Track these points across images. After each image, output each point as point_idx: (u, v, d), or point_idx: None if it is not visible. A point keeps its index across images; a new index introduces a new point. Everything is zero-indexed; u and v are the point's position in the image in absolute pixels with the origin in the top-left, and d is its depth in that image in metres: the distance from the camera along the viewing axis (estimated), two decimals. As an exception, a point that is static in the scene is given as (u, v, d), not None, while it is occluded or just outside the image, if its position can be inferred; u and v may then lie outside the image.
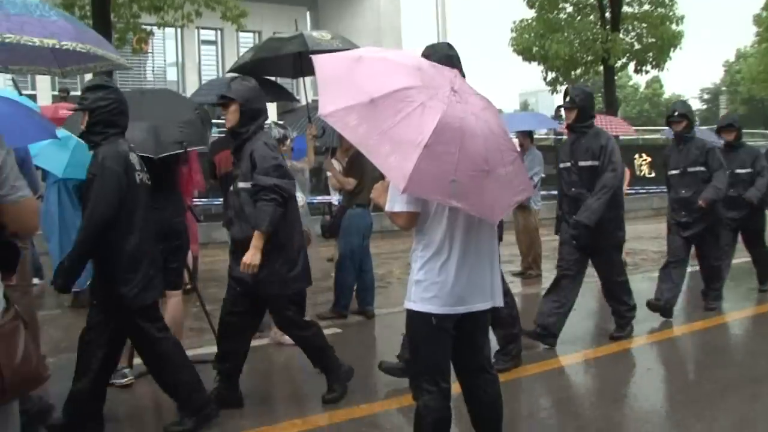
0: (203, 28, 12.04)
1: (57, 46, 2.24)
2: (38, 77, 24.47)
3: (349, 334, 6.64)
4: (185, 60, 26.95)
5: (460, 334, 3.37)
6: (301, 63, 6.74)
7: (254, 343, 6.14)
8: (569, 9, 17.43)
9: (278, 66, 7.07)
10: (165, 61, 26.69)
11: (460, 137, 2.99)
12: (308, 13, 31.23)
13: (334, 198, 8.23)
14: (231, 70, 7.04)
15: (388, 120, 2.94)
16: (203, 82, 24.32)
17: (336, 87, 3.14)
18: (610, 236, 6.00)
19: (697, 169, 6.83)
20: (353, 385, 4.87)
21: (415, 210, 3.22)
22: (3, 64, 3.05)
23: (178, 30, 10.21)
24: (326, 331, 6.62)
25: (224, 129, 4.75)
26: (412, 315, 3.34)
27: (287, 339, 6.11)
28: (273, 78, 7.59)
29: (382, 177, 3.35)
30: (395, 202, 3.22)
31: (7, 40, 2.09)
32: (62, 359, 5.46)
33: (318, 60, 3.23)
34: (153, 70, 25.70)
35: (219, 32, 27.36)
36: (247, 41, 28.31)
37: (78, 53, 2.42)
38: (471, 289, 3.28)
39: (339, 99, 3.04)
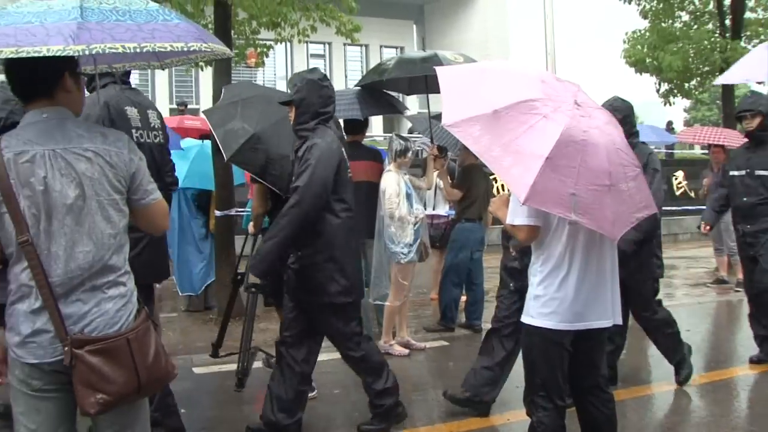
0: (312, 42, 12.32)
1: (185, 49, 2.31)
2: (157, 92, 25.71)
3: (456, 348, 6.61)
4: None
5: (577, 351, 3.30)
6: (426, 81, 6.79)
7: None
8: (685, 17, 16.77)
9: (395, 82, 7.13)
10: (275, 74, 27.49)
11: (582, 150, 2.95)
12: (414, 26, 31.47)
13: (443, 210, 8.23)
14: (359, 85, 7.13)
15: (510, 131, 2.94)
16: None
17: (459, 98, 3.16)
18: None
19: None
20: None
21: (536, 224, 3.18)
22: (108, 63, 3.20)
23: (288, 44, 10.50)
24: (432, 344, 6.68)
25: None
26: (529, 330, 3.30)
27: (396, 349, 6.16)
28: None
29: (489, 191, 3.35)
30: (516, 216, 3.20)
31: (145, 49, 2.19)
32: (178, 360, 5.66)
33: (442, 72, 3.27)
34: (263, 83, 26.50)
35: (327, 46, 27.99)
36: (354, 55, 28.86)
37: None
38: (591, 305, 3.21)
39: (462, 110, 3.06)
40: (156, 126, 3.88)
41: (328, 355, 6.05)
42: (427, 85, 6.85)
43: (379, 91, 6.93)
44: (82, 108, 2.52)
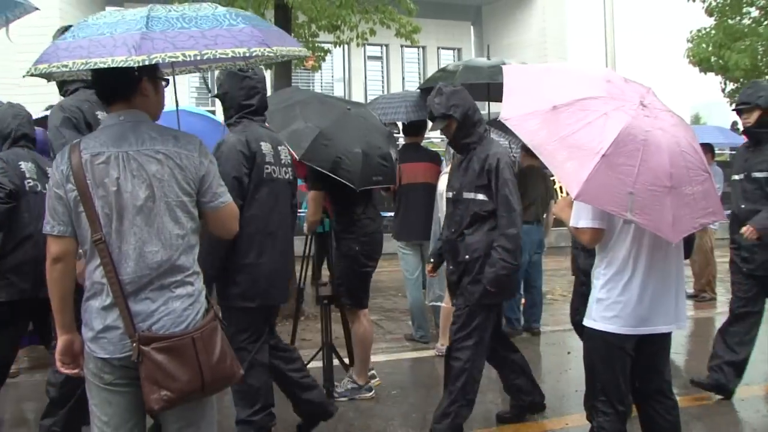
0: (369, 44, 12.41)
1: (247, 54, 2.33)
2: (180, 96, 26.14)
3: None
4: (352, 76, 27.81)
5: (640, 356, 3.24)
6: (488, 89, 6.76)
7: (420, 354, 6.27)
8: (755, 13, 16.23)
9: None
10: (333, 76, 27.65)
11: (643, 150, 2.88)
12: (472, 27, 31.29)
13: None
14: (422, 88, 7.13)
15: (568, 127, 2.91)
16: (368, 97, 24.99)
17: (520, 95, 3.15)
18: None
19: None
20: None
21: (599, 226, 3.12)
22: (194, 65, 3.26)
23: (346, 47, 10.57)
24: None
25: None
26: (591, 333, 3.24)
27: None
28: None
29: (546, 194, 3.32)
30: (580, 218, 3.15)
31: (206, 57, 2.22)
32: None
33: (508, 69, 3.28)
34: (321, 86, 26.70)
35: (384, 48, 28.02)
36: (412, 57, 28.81)
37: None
38: (655, 309, 3.14)
39: (521, 105, 3.05)
40: None
41: (386, 356, 6.11)
42: (489, 93, 6.80)
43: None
44: (160, 111, 2.59)
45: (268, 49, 2.38)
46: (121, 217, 2.31)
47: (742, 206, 4.82)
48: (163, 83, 2.58)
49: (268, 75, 9.08)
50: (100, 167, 2.30)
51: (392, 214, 6.90)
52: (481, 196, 3.96)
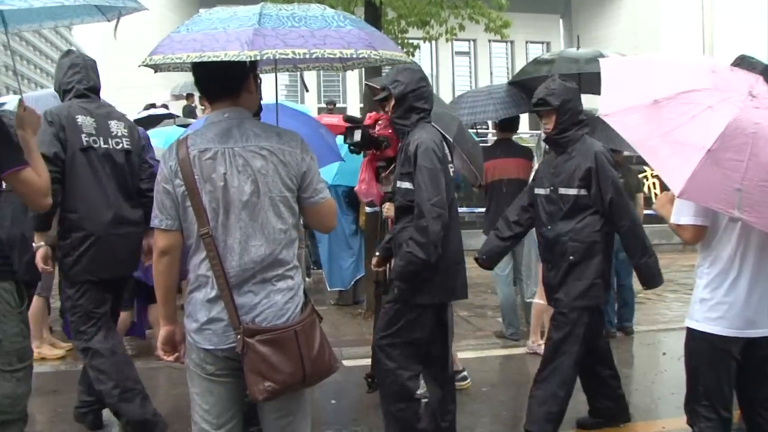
0: (457, 39, 12.30)
1: (354, 55, 2.36)
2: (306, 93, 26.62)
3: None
4: (440, 71, 27.77)
5: (746, 361, 3.08)
6: (579, 81, 6.59)
7: (510, 351, 6.21)
8: None
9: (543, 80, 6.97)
10: (491, 74, 27.69)
11: (752, 144, 2.73)
12: (561, 20, 30.73)
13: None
14: (515, 80, 7.04)
15: (670, 121, 2.80)
16: (456, 93, 24.88)
17: (619, 88, 3.06)
18: None
19: None
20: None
21: (702, 223, 3.01)
22: (293, 64, 3.31)
23: (434, 42, 10.52)
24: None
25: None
26: (693, 335, 3.12)
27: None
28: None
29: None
30: (681, 214, 3.04)
31: (314, 56, 2.26)
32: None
33: (606, 63, 3.19)
34: (409, 82, 26.76)
35: (472, 43, 27.86)
36: (500, 51, 28.53)
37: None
38: (763, 312, 2.99)
39: (620, 100, 2.96)
40: (119, 134, 4.00)
41: (475, 353, 6.08)
42: (580, 84, 6.63)
43: (529, 88, 6.81)
44: (256, 107, 2.65)
45: (374, 52, 2.40)
46: (227, 212, 2.37)
47: None
48: (258, 80, 2.64)
49: (356, 73, 9.18)
50: (207, 163, 2.36)
51: (483, 209, 6.85)
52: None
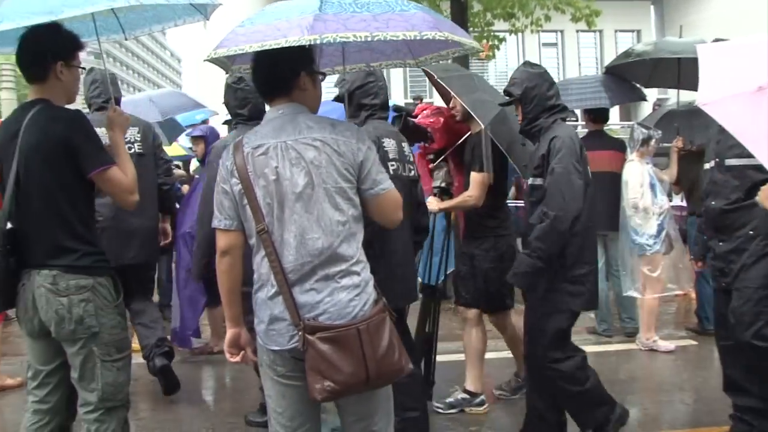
0: (544, 31, 12.07)
1: (418, 37, 2.31)
2: (393, 87, 26.69)
3: (704, 350, 6.14)
4: (526, 64, 27.35)
5: None
6: (679, 73, 6.38)
7: (603, 348, 6.07)
8: None
9: (636, 71, 6.74)
10: (507, 65, 27.33)
11: None
12: (652, 7, 29.65)
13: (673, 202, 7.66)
14: (608, 68, 6.86)
15: (778, 110, 2.65)
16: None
17: (719, 75, 2.91)
18: None
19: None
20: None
21: None
22: (366, 62, 3.26)
23: (520, 35, 10.35)
24: (681, 343, 6.26)
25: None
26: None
27: (661, 345, 5.87)
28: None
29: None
30: None
31: (376, 38, 2.23)
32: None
33: (703, 50, 3.05)
34: (495, 75, 26.47)
35: (559, 34, 27.30)
36: (588, 42, 27.84)
37: (433, 41, 2.54)
38: None
39: (721, 87, 2.82)
40: (131, 140, 4.63)
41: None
42: (680, 75, 6.40)
43: (621, 78, 6.63)
44: (318, 104, 2.63)
45: (439, 33, 2.31)
46: (281, 206, 2.34)
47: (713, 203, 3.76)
48: (320, 77, 2.63)
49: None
50: (260, 158, 2.35)
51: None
52: None
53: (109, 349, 2.83)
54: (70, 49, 2.86)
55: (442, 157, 4.67)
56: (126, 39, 3.58)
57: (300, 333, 2.26)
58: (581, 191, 3.48)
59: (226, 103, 4.32)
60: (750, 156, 3.33)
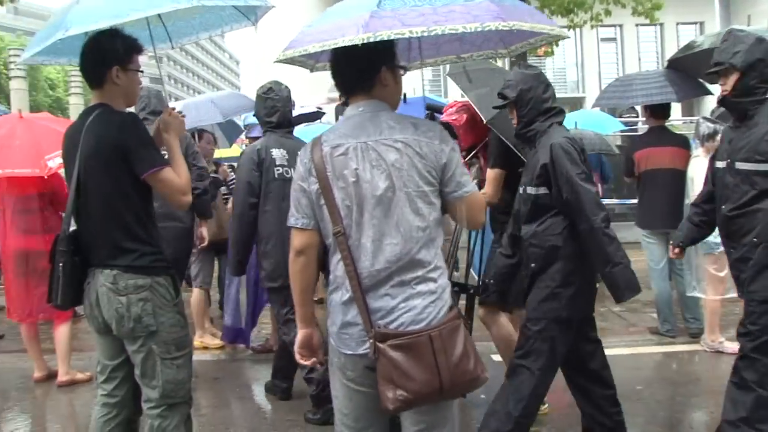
0: (603, 26, 11.83)
1: (479, 29, 2.22)
2: (449, 84, 26.58)
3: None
4: (585, 60, 26.86)
5: None
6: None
7: (666, 349, 5.94)
8: None
9: (698, 64, 6.53)
10: (565, 61, 26.93)
11: None
12: (717, -2, 28.84)
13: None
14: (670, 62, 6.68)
15: None
16: (603, 82, 24.00)
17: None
18: None
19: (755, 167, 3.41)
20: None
21: None
22: (456, 54, 3.21)
23: (578, 30, 10.18)
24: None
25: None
26: None
27: (728, 347, 5.72)
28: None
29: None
30: None
31: (433, 33, 2.17)
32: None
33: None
34: (553, 71, 26.07)
35: (618, 29, 26.73)
36: (648, 36, 27.16)
37: (521, 33, 2.49)
38: None
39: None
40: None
41: (629, 349, 5.88)
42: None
43: (685, 73, 6.45)
44: (399, 100, 2.55)
45: (503, 24, 2.20)
46: (360, 209, 2.27)
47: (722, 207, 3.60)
48: (401, 72, 2.53)
49: (505, 63, 8.93)
50: (339, 159, 2.28)
51: (634, 201, 6.58)
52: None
53: (168, 347, 2.87)
54: (126, 53, 2.90)
55: (473, 153, 4.66)
56: (172, 48, 3.64)
57: (371, 341, 2.20)
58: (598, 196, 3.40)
59: (257, 113, 4.64)
60: (759, 161, 3.38)
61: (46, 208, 5.32)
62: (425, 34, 2.17)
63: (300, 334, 2.50)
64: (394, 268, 2.26)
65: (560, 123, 3.59)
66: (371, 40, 2.11)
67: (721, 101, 3.62)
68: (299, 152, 2.44)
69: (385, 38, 2.14)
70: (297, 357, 2.53)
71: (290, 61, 2.57)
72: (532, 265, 3.47)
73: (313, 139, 2.41)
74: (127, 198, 2.81)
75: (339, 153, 2.29)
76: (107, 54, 2.86)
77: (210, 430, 4.42)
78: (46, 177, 5.08)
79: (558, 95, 3.72)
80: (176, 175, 2.88)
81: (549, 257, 3.42)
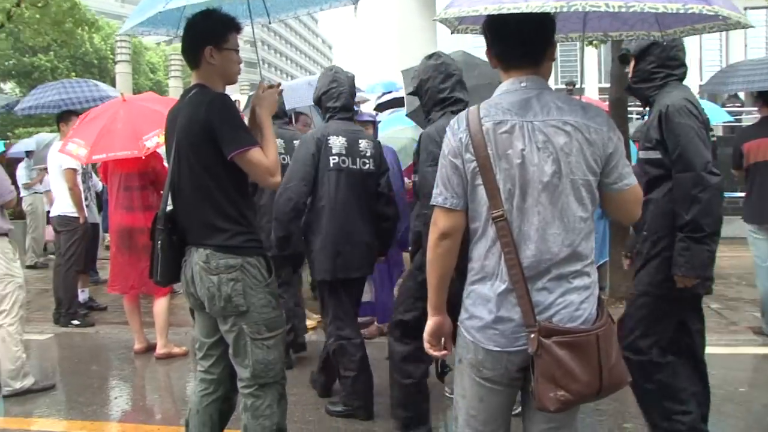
0: (708, 11, 11.16)
1: (681, 11, 2.02)
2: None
3: None
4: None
5: None
6: None
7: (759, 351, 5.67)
8: None
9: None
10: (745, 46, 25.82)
11: None
12: None
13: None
14: None
15: None
16: (704, 71, 22.93)
17: None
18: None
19: None
20: None
21: None
22: (605, 30, 3.03)
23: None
24: None
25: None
26: None
27: None
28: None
29: None
30: None
31: (631, 10, 1.94)
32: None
33: None
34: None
35: (724, 13, 25.52)
36: (756, 20, 25.85)
37: (684, 15, 2.28)
38: None
39: None
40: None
41: (729, 348, 5.64)
42: None
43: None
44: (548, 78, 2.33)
45: (707, 8, 2.03)
46: (524, 194, 2.09)
47: None
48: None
49: (595, 51, 8.50)
50: (503, 137, 2.09)
51: (741, 194, 6.26)
52: None
53: (258, 327, 2.87)
54: (220, 33, 2.89)
55: None
56: (270, 23, 3.59)
57: (534, 335, 2.04)
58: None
59: (318, 96, 4.38)
60: (647, 148, 3.28)
61: (147, 187, 5.57)
62: (622, 9, 1.95)
63: (432, 321, 2.31)
64: (555, 260, 2.10)
65: (454, 113, 3.45)
66: (563, 9, 1.94)
67: (627, 88, 3.61)
68: (451, 124, 2.23)
69: (580, 9, 1.93)
70: (426, 346, 2.34)
71: (440, 20, 2.40)
72: None
73: (467, 110, 2.21)
74: (217, 178, 2.80)
75: (503, 130, 2.11)
76: (200, 34, 2.88)
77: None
78: (143, 157, 5.30)
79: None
80: (263, 156, 2.83)
81: None
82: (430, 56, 3.81)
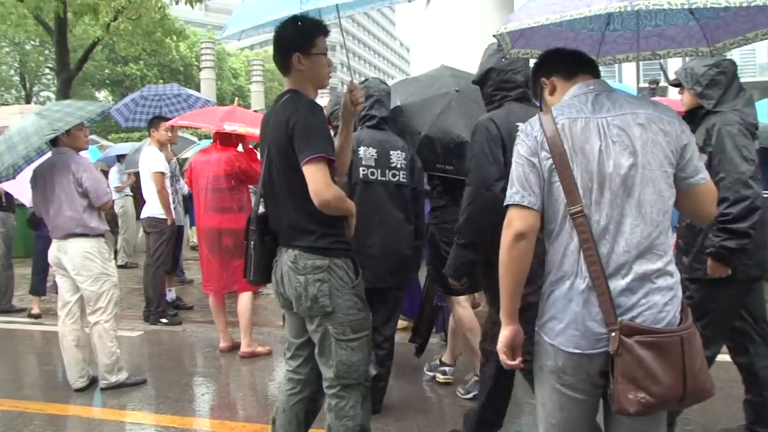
0: None
1: (753, 4, 1.92)
2: (624, 69, 25.30)
3: None
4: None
5: None
6: None
7: None
8: None
9: None
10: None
11: None
12: None
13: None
14: None
15: None
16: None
17: None
18: None
19: None
20: None
21: None
22: (652, 50, 2.98)
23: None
24: None
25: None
26: None
27: None
28: None
29: None
30: None
31: (694, 6, 1.91)
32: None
33: None
34: (740, 53, 24.12)
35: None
36: None
37: (734, 23, 2.20)
38: None
39: None
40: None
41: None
42: None
43: None
44: None
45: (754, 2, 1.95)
46: (601, 188, 2.07)
47: None
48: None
49: None
50: (578, 133, 2.10)
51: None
52: None
53: (344, 328, 2.87)
54: (306, 39, 2.91)
55: None
56: (338, 18, 3.50)
57: (615, 334, 1.99)
58: None
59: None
60: None
61: (236, 188, 5.67)
62: (685, 6, 1.96)
63: (508, 330, 2.22)
64: (634, 254, 2.06)
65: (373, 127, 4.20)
66: (627, 9, 1.96)
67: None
68: (522, 125, 2.26)
69: (643, 8, 1.98)
70: (502, 357, 2.25)
71: (496, 37, 2.52)
72: None
73: (538, 114, 2.22)
74: (304, 181, 2.76)
75: (578, 127, 2.12)
76: (287, 42, 2.92)
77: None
78: (212, 128, 5.83)
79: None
80: (323, 174, 2.72)
81: None
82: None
